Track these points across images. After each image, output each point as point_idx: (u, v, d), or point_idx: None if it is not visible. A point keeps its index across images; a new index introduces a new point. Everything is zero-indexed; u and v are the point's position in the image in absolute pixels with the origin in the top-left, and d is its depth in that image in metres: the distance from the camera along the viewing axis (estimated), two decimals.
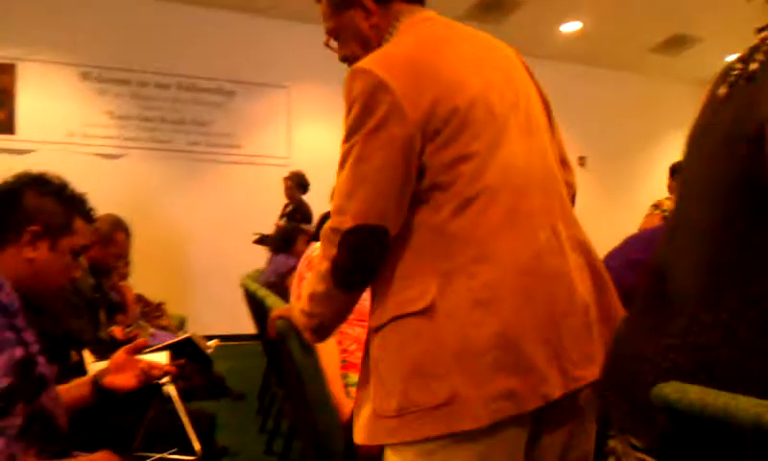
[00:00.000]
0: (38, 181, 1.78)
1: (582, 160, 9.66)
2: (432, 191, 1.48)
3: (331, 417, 2.17)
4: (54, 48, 7.23)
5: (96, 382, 1.92)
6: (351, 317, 2.75)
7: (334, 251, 1.50)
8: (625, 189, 10.03)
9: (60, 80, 7.27)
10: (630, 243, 2.86)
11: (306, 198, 6.87)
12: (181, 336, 2.63)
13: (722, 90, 1.12)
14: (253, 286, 3.62)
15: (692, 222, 1.11)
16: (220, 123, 7.93)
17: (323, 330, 1.64)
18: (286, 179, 6.96)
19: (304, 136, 8.30)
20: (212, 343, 2.62)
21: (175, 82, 7.69)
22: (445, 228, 1.47)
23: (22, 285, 1.69)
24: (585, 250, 1.60)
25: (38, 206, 1.73)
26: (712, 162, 1.09)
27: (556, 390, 1.44)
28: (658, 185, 8.38)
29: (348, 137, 1.50)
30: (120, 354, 1.97)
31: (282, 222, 6.72)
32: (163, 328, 4.37)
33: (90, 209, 1.88)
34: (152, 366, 1.95)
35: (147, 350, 2.14)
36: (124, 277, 4.61)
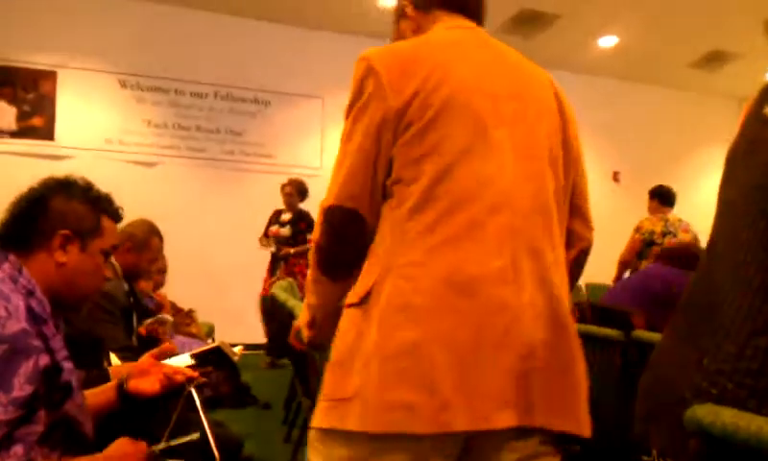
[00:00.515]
0: (64, 184, 1.77)
1: (616, 175, 9.57)
2: (396, 185, 1.48)
3: None
4: (94, 56, 7.34)
5: (121, 387, 1.93)
6: None
7: (317, 231, 1.53)
8: None
9: (100, 87, 7.38)
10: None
11: (304, 205, 6.82)
12: (211, 345, 2.64)
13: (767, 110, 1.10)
14: (283, 296, 3.63)
15: (741, 243, 1.07)
16: (254, 132, 7.99)
17: (316, 328, 1.63)
18: (285, 185, 6.84)
19: (337, 146, 8.30)
20: (237, 350, 2.62)
21: (211, 91, 7.76)
22: (402, 224, 1.45)
23: (53, 290, 1.69)
24: (551, 292, 1.48)
25: (67, 209, 1.73)
26: (763, 181, 1.07)
27: (458, 422, 1.34)
28: (692, 202, 8.29)
29: (345, 118, 1.55)
30: (145, 359, 1.99)
31: (286, 230, 6.67)
32: (192, 336, 4.40)
33: (117, 208, 1.87)
34: (176, 371, 1.96)
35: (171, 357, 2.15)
36: (159, 285, 4.65)
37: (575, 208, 1.66)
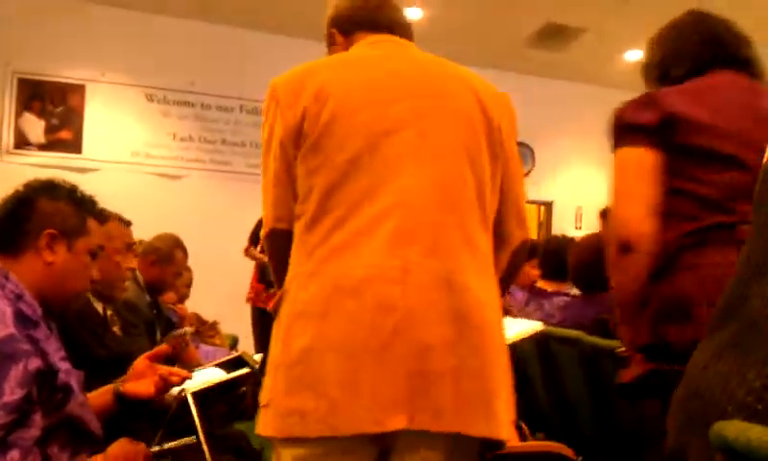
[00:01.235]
0: (49, 186, 1.80)
1: None
2: (299, 201, 1.55)
3: None
4: (122, 70, 7.42)
5: (116, 390, 1.94)
6: None
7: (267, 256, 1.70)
8: None
9: (127, 101, 7.45)
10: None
11: None
12: (233, 354, 2.66)
13: None
14: None
15: None
16: None
17: None
18: None
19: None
20: (257, 358, 2.64)
21: (237, 105, 7.81)
22: (303, 237, 1.53)
23: (42, 291, 1.71)
24: (460, 292, 1.47)
25: (52, 209, 1.76)
26: None
27: (345, 426, 1.39)
28: None
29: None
30: (140, 361, 1.99)
31: None
32: (216, 347, 4.41)
33: (101, 210, 1.91)
34: (171, 372, 1.97)
35: (198, 367, 2.16)
36: (185, 297, 4.67)
37: (507, 208, 1.66)
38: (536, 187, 8.69)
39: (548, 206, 9.17)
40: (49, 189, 1.79)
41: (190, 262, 4.80)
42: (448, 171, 1.55)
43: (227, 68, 7.75)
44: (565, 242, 4.02)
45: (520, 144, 8.78)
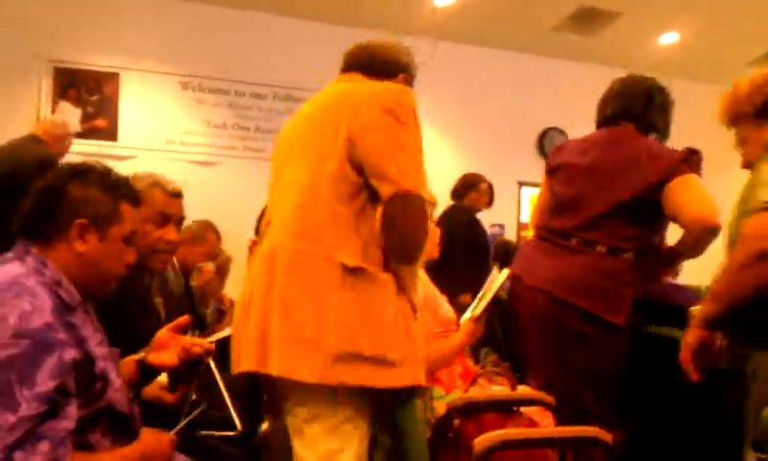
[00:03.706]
0: (81, 171, 1.75)
1: None
2: None
3: (416, 428, 2.16)
4: (156, 58, 7.47)
5: (141, 361, 1.94)
6: (437, 330, 2.76)
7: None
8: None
9: (161, 89, 7.50)
10: None
11: None
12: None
13: None
14: None
15: None
16: None
17: None
18: None
19: None
20: None
21: (271, 92, 7.83)
22: None
23: (76, 279, 1.69)
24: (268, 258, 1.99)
25: (83, 197, 1.71)
26: None
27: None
28: None
29: None
30: (163, 332, 1.99)
31: None
32: None
33: (136, 192, 1.85)
34: (193, 343, 1.98)
35: (212, 337, 2.18)
36: (225, 272, 4.69)
37: (372, 172, 1.97)
38: None
39: None
40: (80, 174, 1.74)
41: (224, 248, 4.84)
42: (295, 170, 2.12)
43: (260, 55, 7.77)
44: None
45: (553, 129, 8.72)
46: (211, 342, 2.06)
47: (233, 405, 2.11)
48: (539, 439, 2.17)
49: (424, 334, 2.53)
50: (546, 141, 8.80)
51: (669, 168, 2.67)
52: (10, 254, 1.69)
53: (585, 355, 2.66)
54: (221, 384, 2.04)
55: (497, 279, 2.81)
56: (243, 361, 1.95)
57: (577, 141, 3.05)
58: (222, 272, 4.81)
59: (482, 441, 1.87)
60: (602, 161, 2.82)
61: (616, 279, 2.71)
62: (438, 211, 4.92)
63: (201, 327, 4.07)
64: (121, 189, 1.79)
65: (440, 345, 2.71)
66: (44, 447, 1.47)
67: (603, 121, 3.03)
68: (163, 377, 2.04)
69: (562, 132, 8.75)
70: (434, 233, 2.99)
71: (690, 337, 2.19)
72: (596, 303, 2.67)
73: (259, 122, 7.76)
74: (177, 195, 2.52)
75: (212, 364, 2.04)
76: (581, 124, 9.04)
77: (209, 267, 4.32)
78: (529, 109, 8.68)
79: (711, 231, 2.63)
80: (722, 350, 2.16)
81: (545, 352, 2.79)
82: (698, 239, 2.67)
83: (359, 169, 1.99)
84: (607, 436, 1.90)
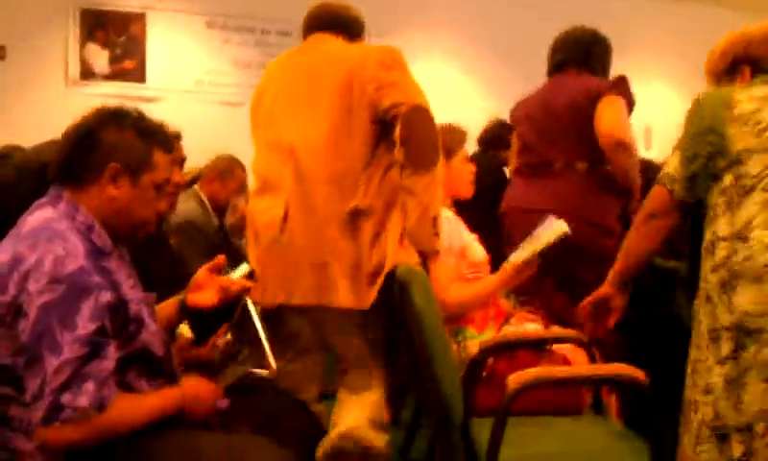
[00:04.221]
0: (116, 115, 1.76)
1: None
2: None
3: (450, 367, 2.16)
4: None
5: (181, 302, 1.97)
6: (467, 272, 2.72)
7: None
8: None
9: (187, 28, 7.44)
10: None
11: None
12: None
13: None
14: None
15: None
16: None
17: None
18: None
19: (421, 82, 8.23)
20: None
21: (296, 29, 7.72)
22: None
23: (107, 223, 1.71)
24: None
25: (117, 142, 1.71)
26: None
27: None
28: None
29: None
30: (201, 272, 2.00)
31: None
32: None
33: (169, 138, 1.85)
34: (231, 282, 2.00)
35: (236, 273, 2.17)
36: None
37: (388, 106, 2.27)
38: None
39: None
40: (115, 118, 1.75)
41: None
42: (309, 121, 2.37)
43: None
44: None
45: None
46: (250, 280, 2.06)
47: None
48: (573, 377, 2.16)
49: (451, 277, 2.58)
50: None
51: (594, 91, 3.12)
52: (43, 200, 1.71)
53: (592, 264, 2.77)
54: (258, 323, 2.04)
55: (554, 229, 2.61)
56: (296, 294, 2.29)
57: (531, 94, 3.47)
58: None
59: (516, 378, 1.86)
60: (554, 98, 3.24)
61: (601, 191, 3.10)
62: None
63: (239, 261, 4.09)
64: (155, 136, 1.79)
65: (471, 288, 2.67)
66: (90, 386, 1.50)
67: (551, 69, 3.43)
68: (185, 332, 2.05)
69: None
70: (467, 171, 2.93)
71: (593, 295, 2.31)
72: (592, 212, 3.02)
73: None
74: (177, 137, 2.56)
75: (250, 302, 2.04)
76: (615, 53, 8.86)
77: (243, 204, 4.34)
78: None
79: (617, 146, 3.02)
80: (618, 310, 2.25)
81: (551, 273, 2.82)
82: (609, 155, 3.06)
83: (376, 121, 2.30)
84: (640, 374, 1.88)
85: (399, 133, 2.23)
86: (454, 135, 2.90)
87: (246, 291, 2.01)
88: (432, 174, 2.25)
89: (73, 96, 7.16)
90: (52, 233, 1.58)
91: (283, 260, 2.29)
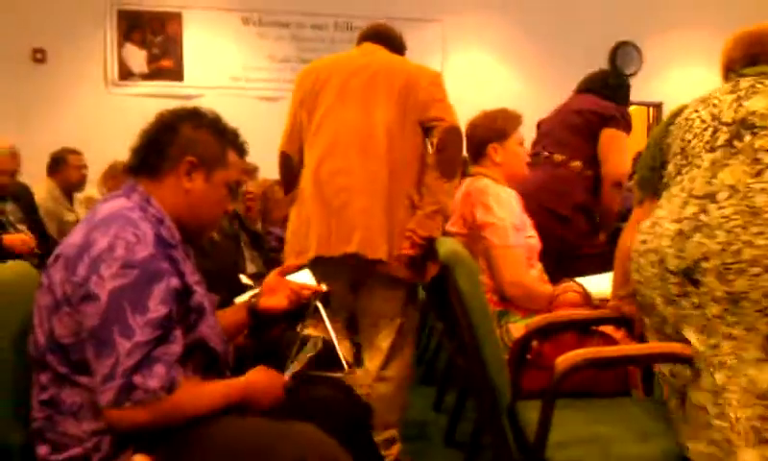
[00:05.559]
0: (194, 114, 1.81)
1: None
2: None
3: (497, 350, 2.14)
4: None
5: (252, 306, 1.99)
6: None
7: None
8: None
9: (223, 25, 7.51)
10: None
11: None
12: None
13: None
14: None
15: None
16: None
17: None
18: None
19: (458, 70, 8.20)
20: None
21: (331, 22, 7.75)
22: None
23: (178, 217, 1.74)
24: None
25: (194, 137, 1.76)
26: None
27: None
28: None
29: None
30: (271, 277, 2.05)
31: None
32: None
33: (243, 143, 1.89)
34: (302, 287, 2.03)
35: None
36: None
37: (429, 118, 2.74)
38: (643, 88, 8.33)
39: (657, 107, 8.75)
40: (193, 117, 1.80)
41: None
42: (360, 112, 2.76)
43: None
44: None
45: (625, 44, 8.41)
46: (321, 284, 2.09)
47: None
48: (622, 357, 2.12)
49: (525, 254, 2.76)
50: (619, 57, 8.51)
51: (602, 110, 3.59)
52: (118, 191, 1.76)
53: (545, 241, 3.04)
54: (329, 325, 2.04)
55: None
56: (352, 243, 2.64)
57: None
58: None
59: (565, 360, 1.82)
60: (569, 105, 3.79)
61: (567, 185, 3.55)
62: None
63: (259, 244, 4.10)
64: (230, 136, 1.84)
65: (540, 288, 2.72)
66: (160, 370, 1.53)
67: (576, 91, 3.90)
68: None
69: (634, 45, 8.45)
70: (522, 152, 3.03)
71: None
72: (548, 197, 3.47)
73: (321, 53, 7.63)
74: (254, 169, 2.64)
75: (320, 305, 2.05)
76: (656, 36, 8.70)
77: (253, 186, 4.36)
78: (600, 21, 8.39)
79: (614, 185, 3.57)
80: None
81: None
82: (605, 186, 3.58)
83: (419, 123, 2.74)
84: (688, 350, 1.83)
85: (437, 143, 2.68)
86: (509, 119, 2.96)
87: (317, 295, 2.04)
88: (453, 183, 2.73)
89: (113, 96, 7.27)
90: (125, 221, 1.61)
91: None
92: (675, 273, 1.82)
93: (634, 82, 8.69)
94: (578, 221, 3.54)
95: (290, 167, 2.91)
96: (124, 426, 1.54)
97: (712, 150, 1.87)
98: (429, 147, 2.77)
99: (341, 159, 2.71)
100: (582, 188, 3.56)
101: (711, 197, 1.81)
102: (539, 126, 3.91)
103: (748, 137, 1.82)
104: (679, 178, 1.93)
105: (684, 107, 2.05)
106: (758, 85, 1.91)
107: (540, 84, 8.00)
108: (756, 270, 1.69)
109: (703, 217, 1.80)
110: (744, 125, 1.84)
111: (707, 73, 8.43)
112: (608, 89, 3.77)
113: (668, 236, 1.85)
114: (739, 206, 1.76)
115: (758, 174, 1.77)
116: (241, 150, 1.88)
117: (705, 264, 1.76)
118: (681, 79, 8.57)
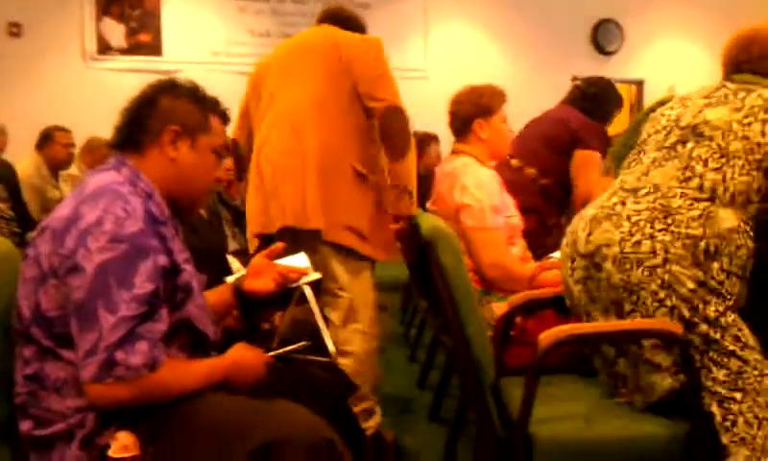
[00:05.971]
0: (172, 85, 1.81)
1: None
2: None
3: (480, 327, 2.14)
4: None
5: (237, 287, 1.97)
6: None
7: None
8: None
9: None
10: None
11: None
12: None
13: None
14: None
15: None
16: None
17: None
18: None
19: (441, 44, 8.18)
20: None
21: None
22: None
23: (168, 190, 1.74)
24: None
25: (174, 106, 1.76)
26: None
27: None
28: None
29: None
30: (258, 259, 2.02)
31: None
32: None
33: (224, 109, 1.89)
34: (289, 269, 1.99)
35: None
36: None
37: (369, 96, 2.68)
38: (624, 66, 8.35)
39: (639, 84, 8.78)
40: (171, 88, 1.80)
41: None
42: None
43: None
44: None
45: (606, 21, 8.41)
46: (308, 266, 2.06)
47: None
48: (606, 333, 2.12)
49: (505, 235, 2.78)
50: (600, 34, 8.52)
51: (575, 128, 3.64)
52: (107, 165, 1.75)
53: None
54: (316, 309, 2.03)
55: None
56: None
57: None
58: None
59: (548, 335, 1.83)
60: (546, 116, 3.88)
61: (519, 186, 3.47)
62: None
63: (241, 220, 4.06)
64: (209, 103, 1.84)
65: (520, 269, 2.72)
66: (143, 346, 1.52)
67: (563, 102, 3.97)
68: None
69: (615, 22, 8.45)
70: (505, 129, 3.03)
71: None
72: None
73: (302, 28, 7.53)
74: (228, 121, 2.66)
75: (308, 290, 2.03)
76: (637, 12, 8.72)
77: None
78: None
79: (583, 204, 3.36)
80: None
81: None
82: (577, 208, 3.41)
83: (358, 95, 2.69)
84: (677, 328, 1.84)
85: (379, 129, 2.70)
86: (495, 95, 2.96)
87: (305, 278, 2.01)
88: (406, 160, 2.70)
89: (90, 71, 7.18)
90: (115, 195, 1.60)
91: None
92: (583, 256, 1.95)
93: (615, 59, 8.80)
94: (529, 222, 3.33)
95: (238, 154, 3.00)
96: (105, 402, 1.53)
97: (659, 150, 1.97)
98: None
99: (276, 140, 2.72)
100: (532, 193, 3.53)
101: (635, 192, 1.91)
102: (526, 126, 3.91)
103: (691, 144, 1.90)
104: (628, 169, 2.03)
105: (670, 98, 2.13)
106: (731, 96, 1.95)
107: (520, 60, 8.01)
108: (655, 261, 1.81)
109: (618, 208, 1.92)
110: (694, 132, 1.92)
111: (687, 48, 8.50)
112: (587, 102, 3.83)
113: (585, 220, 1.97)
114: (654, 203, 1.86)
115: (686, 180, 1.86)
116: (224, 116, 1.88)
117: (605, 250, 1.88)
118: (662, 56, 8.61)
